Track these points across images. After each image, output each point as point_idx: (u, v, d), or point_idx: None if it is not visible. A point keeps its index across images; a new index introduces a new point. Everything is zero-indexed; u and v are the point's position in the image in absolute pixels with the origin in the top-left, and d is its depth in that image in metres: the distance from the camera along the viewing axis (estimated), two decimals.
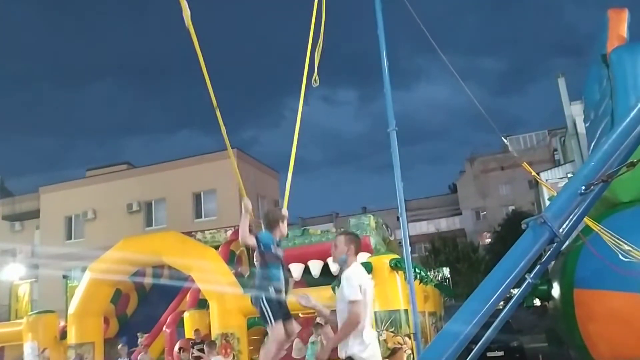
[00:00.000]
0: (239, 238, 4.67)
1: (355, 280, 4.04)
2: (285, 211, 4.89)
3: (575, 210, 3.40)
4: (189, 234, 20.55)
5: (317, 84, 6.06)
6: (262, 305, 4.36)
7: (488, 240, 40.81)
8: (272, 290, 4.38)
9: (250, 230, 4.62)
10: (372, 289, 4.18)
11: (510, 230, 31.35)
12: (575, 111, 24.24)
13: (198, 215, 28.13)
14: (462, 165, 51.99)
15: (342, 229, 4.84)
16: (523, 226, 3.39)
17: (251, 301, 4.53)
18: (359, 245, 4.41)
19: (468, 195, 48.47)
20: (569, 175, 20.47)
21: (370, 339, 4.04)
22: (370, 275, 4.32)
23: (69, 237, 30.53)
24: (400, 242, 9.46)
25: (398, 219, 6.62)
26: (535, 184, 34.61)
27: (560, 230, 3.33)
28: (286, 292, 4.52)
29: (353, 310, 3.95)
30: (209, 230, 22.69)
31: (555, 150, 33.12)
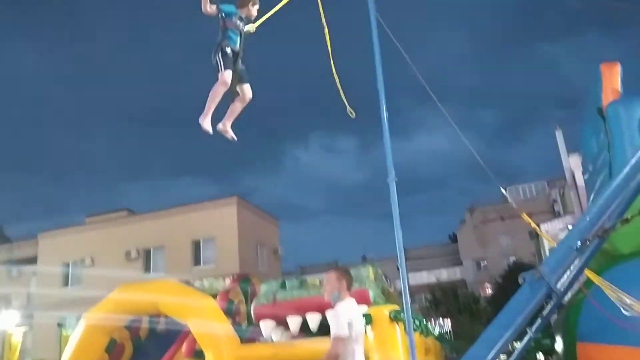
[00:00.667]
0: (202, 8, 5.22)
1: (343, 316, 3.99)
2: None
3: (574, 264, 3.40)
4: (187, 282, 20.35)
5: (354, 116, 6.75)
6: (216, 57, 5.12)
7: (489, 291, 40.30)
8: (227, 48, 5.16)
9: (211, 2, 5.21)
10: (359, 322, 4.13)
11: (511, 281, 30.96)
12: (573, 163, 24.45)
13: (197, 262, 27.92)
14: (462, 215, 51.98)
15: (333, 267, 4.91)
16: (520, 280, 3.39)
17: (212, 55, 5.20)
18: (351, 280, 4.44)
19: (468, 245, 48.23)
20: (569, 226, 20.42)
21: None
22: (364, 320, 4.24)
23: (66, 284, 30.20)
24: (400, 293, 9.36)
25: (398, 268, 6.57)
26: (535, 235, 34.49)
27: (559, 284, 3.33)
28: (241, 59, 5.30)
29: (333, 346, 3.90)
30: (207, 278, 22.45)
31: (555, 201, 33.19)
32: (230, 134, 5.48)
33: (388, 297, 13.40)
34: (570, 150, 25.63)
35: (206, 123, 5.23)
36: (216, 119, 5.42)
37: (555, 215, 30.45)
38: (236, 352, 12.15)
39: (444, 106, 7.10)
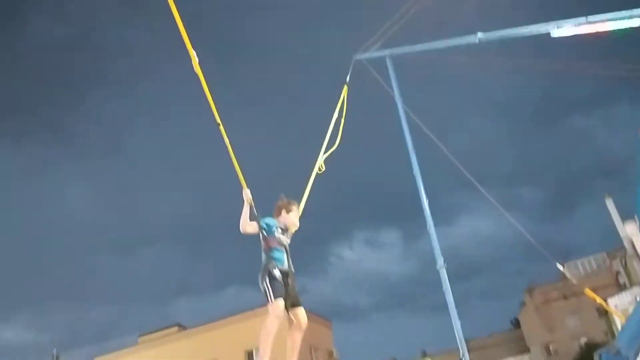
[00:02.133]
0: (240, 227, 4.80)
1: None
2: (293, 202, 5.09)
3: None
4: None
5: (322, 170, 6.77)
6: (264, 284, 4.56)
7: None
8: (274, 271, 4.57)
9: (251, 219, 4.82)
10: None
11: None
12: (630, 230, 23.47)
13: None
14: (520, 297, 49.59)
15: None
16: (596, 358, 3.14)
17: (259, 281, 4.67)
18: None
19: (533, 329, 45.57)
20: (638, 298, 19.20)
21: None
22: None
23: None
24: None
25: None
26: (604, 312, 32.44)
27: (638, 358, 3.07)
28: (291, 279, 4.69)
29: None
30: None
31: (618, 273, 31.52)
32: None
33: None
34: (623, 217, 24.69)
35: None
36: None
37: (621, 287, 28.76)
38: None
39: (484, 188, 7.06)
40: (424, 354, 46.85)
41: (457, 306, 6.34)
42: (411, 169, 7.37)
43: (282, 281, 4.61)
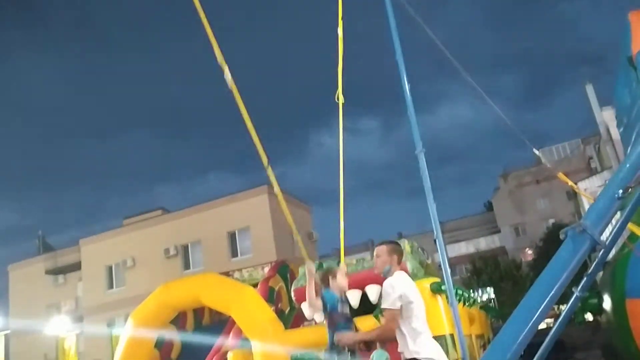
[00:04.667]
0: (307, 304, 4.58)
1: (396, 290, 3.94)
2: (341, 265, 4.86)
3: (616, 218, 3.26)
4: (226, 274, 20.61)
5: (342, 102, 6.42)
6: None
7: (531, 257, 39.76)
8: (346, 349, 4.22)
9: (317, 293, 4.51)
10: (417, 294, 4.06)
11: (552, 244, 30.42)
12: (607, 117, 23.76)
13: (234, 254, 28.23)
14: (495, 183, 51.21)
15: (382, 240, 4.70)
16: (561, 236, 3.27)
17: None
18: (401, 253, 4.33)
19: (505, 212, 47.57)
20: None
21: (428, 341, 3.97)
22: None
23: (111, 286, 30.96)
24: (439, 266, 9.26)
25: (435, 241, 6.48)
26: (574, 195, 33.78)
27: (603, 238, 3.20)
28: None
29: (386, 319, 3.92)
30: (246, 268, 22.72)
31: (591, 158, 32.40)
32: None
33: (427, 270, 13.32)
34: (602, 105, 24.89)
35: None
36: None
37: (592, 172, 29.71)
38: (281, 338, 12.29)
39: (465, 72, 6.93)
40: (400, 236, 49.03)
41: (433, 191, 6.46)
42: (393, 55, 7.16)
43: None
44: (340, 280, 4.60)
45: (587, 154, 34.55)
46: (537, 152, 8.36)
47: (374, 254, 4.32)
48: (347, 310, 4.55)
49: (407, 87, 6.86)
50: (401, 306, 3.91)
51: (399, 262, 4.22)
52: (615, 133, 21.06)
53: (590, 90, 25.87)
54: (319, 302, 4.47)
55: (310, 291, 4.56)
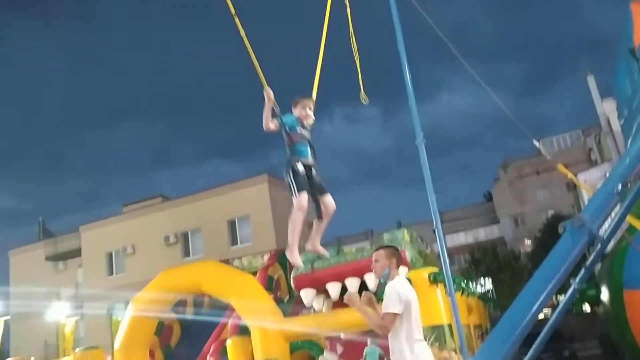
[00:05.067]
0: (263, 125, 4.92)
1: (401, 295, 4.00)
2: (307, 97, 5.19)
3: (615, 210, 3.28)
4: (226, 261, 20.69)
5: (367, 102, 6.50)
6: (289, 178, 4.70)
7: (529, 247, 39.84)
8: (298, 165, 4.72)
9: (273, 117, 4.93)
10: (416, 301, 4.12)
11: (551, 235, 30.43)
12: (607, 108, 23.68)
13: (234, 242, 28.30)
14: (495, 173, 51.17)
15: (380, 245, 4.86)
16: (560, 230, 3.28)
17: (284, 175, 4.84)
18: (400, 258, 4.37)
19: (504, 202, 47.60)
20: (608, 174, 19.92)
21: (425, 349, 4.04)
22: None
23: (111, 273, 31.08)
24: (438, 256, 9.30)
25: (434, 231, 6.50)
26: (573, 186, 33.78)
27: (601, 231, 3.22)
28: (315, 170, 4.89)
29: (384, 319, 4.00)
30: (245, 256, 22.79)
31: (591, 149, 32.36)
32: (322, 251, 5.15)
33: (426, 259, 13.38)
34: (603, 96, 24.82)
35: (296, 258, 4.83)
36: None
37: (592, 164, 29.70)
38: (280, 326, 12.37)
39: (466, 62, 6.91)
40: (399, 225, 49.11)
41: (433, 181, 6.46)
42: (394, 43, 7.13)
43: (305, 174, 4.74)
44: (309, 111, 5.07)
45: (588, 146, 34.51)
46: (537, 143, 8.35)
47: (373, 258, 4.37)
48: (306, 134, 4.98)
49: (408, 77, 6.85)
50: (402, 311, 3.99)
51: (398, 265, 4.27)
52: (615, 124, 21.03)
53: (591, 80, 25.77)
54: (275, 124, 4.87)
55: (267, 115, 4.85)
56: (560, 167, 8.32)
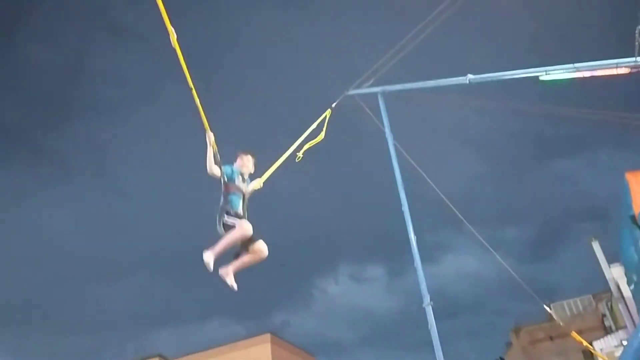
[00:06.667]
0: (207, 169, 5.17)
1: None
2: (250, 152, 5.55)
3: None
4: None
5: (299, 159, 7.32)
6: (223, 221, 5.10)
7: None
8: (232, 212, 5.12)
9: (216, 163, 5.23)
10: None
11: None
12: (616, 274, 23.49)
13: None
14: (504, 338, 49.18)
15: None
16: None
17: (216, 223, 5.16)
18: None
19: None
20: (624, 342, 19.16)
21: None
22: None
23: None
24: None
25: None
26: (590, 354, 32.24)
27: None
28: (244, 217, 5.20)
29: None
30: None
31: (604, 315, 31.45)
32: (232, 282, 5.34)
33: None
34: (610, 261, 24.76)
35: (209, 257, 5.15)
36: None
37: (606, 330, 28.70)
38: None
39: (471, 227, 7.08)
40: None
41: (442, 344, 6.29)
42: (398, 205, 7.39)
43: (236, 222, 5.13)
44: (250, 164, 5.48)
45: (600, 311, 33.61)
46: (548, 308, 8.21)
47: None
48: (242, 187, 5.32)
49: (413, 239, 6.97)
50: None
51: None
52: (626, 290, 20.73)
53: (596, 246, 25.87)
54: (217, 170, 5.18)
55: (210, 158, 5.12)
56: (574, 334, 8.07)
